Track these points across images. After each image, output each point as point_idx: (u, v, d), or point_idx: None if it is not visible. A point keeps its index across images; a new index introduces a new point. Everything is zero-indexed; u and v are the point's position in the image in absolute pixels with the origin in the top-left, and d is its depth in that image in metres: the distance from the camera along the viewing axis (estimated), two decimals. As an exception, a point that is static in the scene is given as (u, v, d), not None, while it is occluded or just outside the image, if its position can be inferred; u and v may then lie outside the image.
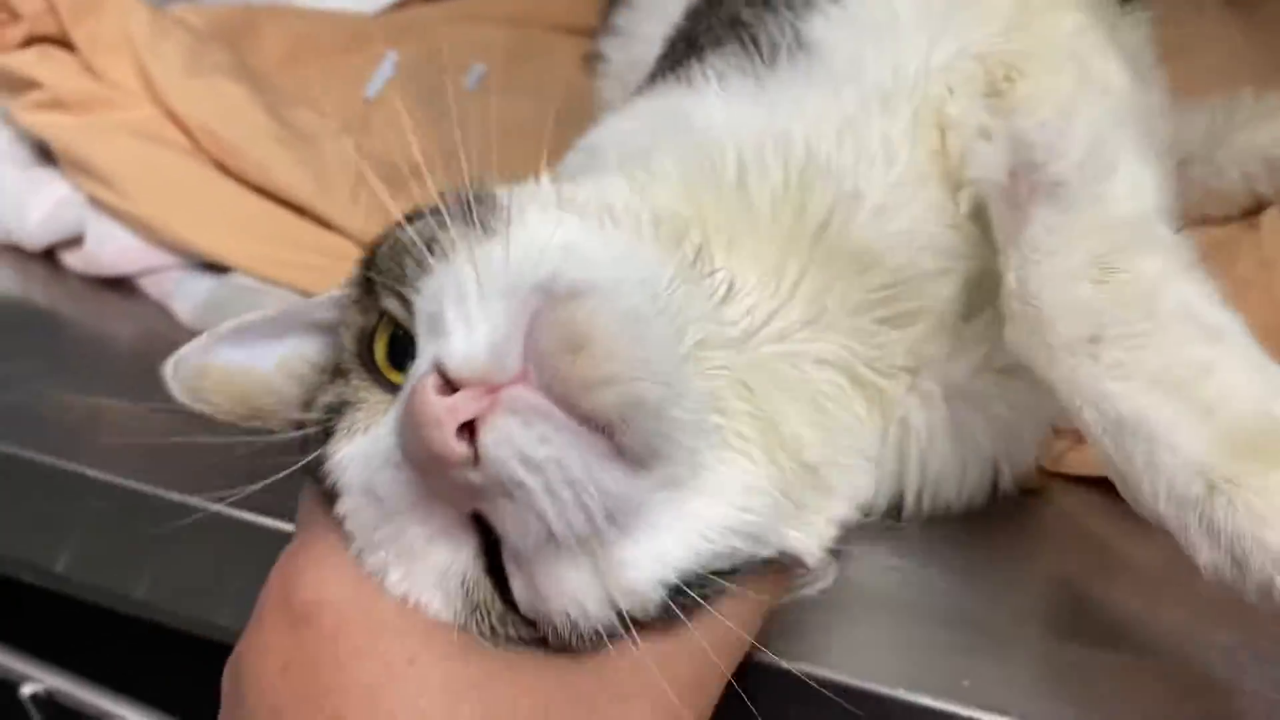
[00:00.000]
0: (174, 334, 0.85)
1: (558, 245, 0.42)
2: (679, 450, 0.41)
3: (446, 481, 0.39)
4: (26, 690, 0.72)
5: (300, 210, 0.86)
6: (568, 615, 0.41)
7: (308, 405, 0.48)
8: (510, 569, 0.42)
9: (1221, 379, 0.42)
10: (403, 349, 0.44)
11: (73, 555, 0.74)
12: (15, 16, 0.94)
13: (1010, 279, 0.47)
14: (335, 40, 1.11)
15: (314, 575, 0.43)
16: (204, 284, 0.84)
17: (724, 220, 0.49)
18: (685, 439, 0.41)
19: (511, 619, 0.42)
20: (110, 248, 0.87)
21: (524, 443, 0.37)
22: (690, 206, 0.49)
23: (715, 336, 0.45)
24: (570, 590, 0.41)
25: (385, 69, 1.07)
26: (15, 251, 0.94)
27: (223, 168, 0.89)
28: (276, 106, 0.92)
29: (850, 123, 0.51)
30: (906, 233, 0.51)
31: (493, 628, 0.42)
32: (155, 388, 0.80)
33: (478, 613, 0.42)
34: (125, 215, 0.87)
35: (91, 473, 0.70)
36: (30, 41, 0.94)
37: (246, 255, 0.83)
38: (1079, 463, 0.61)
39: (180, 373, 0.52)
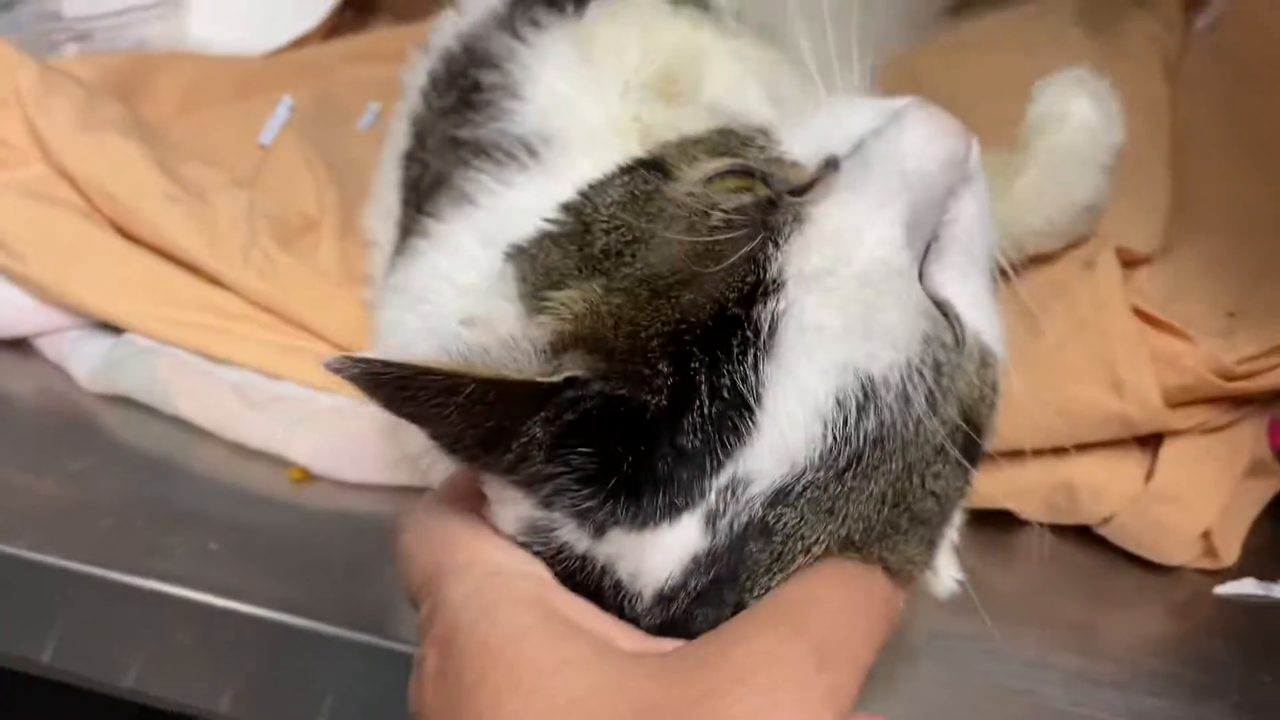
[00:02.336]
0: (73, 394, 0.86)
1: None
2: None
3: (950, 180, 0.47)
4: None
5: (193, 269, 0.86)
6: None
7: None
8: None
9: None
10: None
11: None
12: (-103, 77, 0.92)
13: None
14: (230, 85, 1.12)
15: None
16: (100, 345, 0.84)
17: None
18: None
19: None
20: (5, 310, 0.87)
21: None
22: None
23: None
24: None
25: (280, 113, 1.07)
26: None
27: (116, 226, 0.89)
28: (169, 161, 0.92)
29: None
30: None
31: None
32: (57, 452, 0.81)
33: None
34: (19, 277, 0.87)
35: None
36: (-86, 101, 0.92)
37: (140, 316, 0.84)
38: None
39: None
